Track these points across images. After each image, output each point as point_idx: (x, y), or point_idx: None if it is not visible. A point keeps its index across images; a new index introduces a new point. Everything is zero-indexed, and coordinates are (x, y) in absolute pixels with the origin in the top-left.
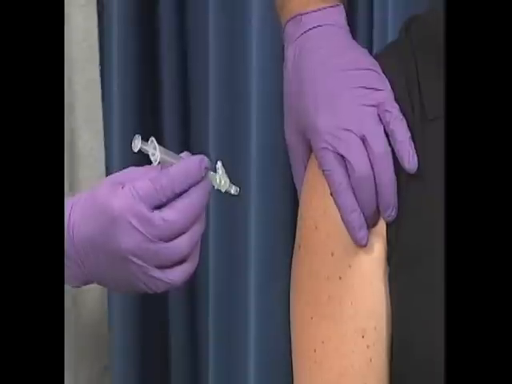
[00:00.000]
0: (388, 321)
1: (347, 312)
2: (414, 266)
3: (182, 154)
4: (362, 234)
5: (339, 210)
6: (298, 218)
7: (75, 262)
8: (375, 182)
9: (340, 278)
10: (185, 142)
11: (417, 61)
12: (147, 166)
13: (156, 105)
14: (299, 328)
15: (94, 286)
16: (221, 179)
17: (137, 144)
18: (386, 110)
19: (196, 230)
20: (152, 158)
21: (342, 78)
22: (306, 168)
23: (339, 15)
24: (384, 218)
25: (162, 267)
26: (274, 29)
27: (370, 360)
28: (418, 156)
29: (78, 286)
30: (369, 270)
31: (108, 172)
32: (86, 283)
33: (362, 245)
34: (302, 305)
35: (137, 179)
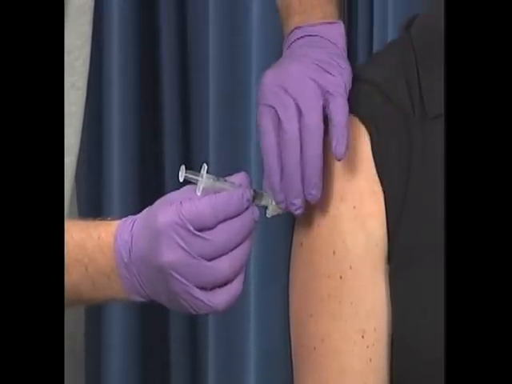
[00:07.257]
0: (388, 321)
1: (347, 311)
2: (414, 266)
3: (233, 178)
4: (281, 197)
5: (265, 168)
6: None
7: (135, 277)
8: (301, 156)
9: (341, 277)
10: (185, 141)
11: (417, 59)
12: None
13: (156, 104)
14: (298, 326)
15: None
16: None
17: (181, 174)
18: (330, 93)
19: (237, 255)
20: (198, 186)
21: (304, 59)
22: None
23: (335, 31)
24: (305, 196)
25: (203, 288)
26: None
27: (370, 360)
28: (419, 155)
29: (144, 301)
30: (370, 272)
31: (106, 170)
32: (150, 298)
33: (281, 205)
34: (302, 302)
35: (186, 200)
